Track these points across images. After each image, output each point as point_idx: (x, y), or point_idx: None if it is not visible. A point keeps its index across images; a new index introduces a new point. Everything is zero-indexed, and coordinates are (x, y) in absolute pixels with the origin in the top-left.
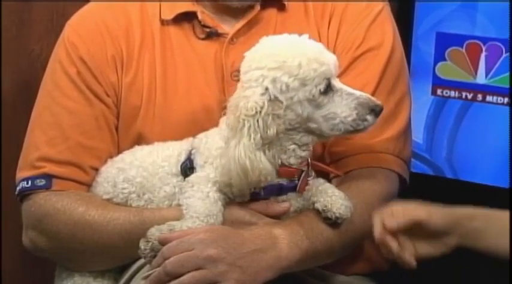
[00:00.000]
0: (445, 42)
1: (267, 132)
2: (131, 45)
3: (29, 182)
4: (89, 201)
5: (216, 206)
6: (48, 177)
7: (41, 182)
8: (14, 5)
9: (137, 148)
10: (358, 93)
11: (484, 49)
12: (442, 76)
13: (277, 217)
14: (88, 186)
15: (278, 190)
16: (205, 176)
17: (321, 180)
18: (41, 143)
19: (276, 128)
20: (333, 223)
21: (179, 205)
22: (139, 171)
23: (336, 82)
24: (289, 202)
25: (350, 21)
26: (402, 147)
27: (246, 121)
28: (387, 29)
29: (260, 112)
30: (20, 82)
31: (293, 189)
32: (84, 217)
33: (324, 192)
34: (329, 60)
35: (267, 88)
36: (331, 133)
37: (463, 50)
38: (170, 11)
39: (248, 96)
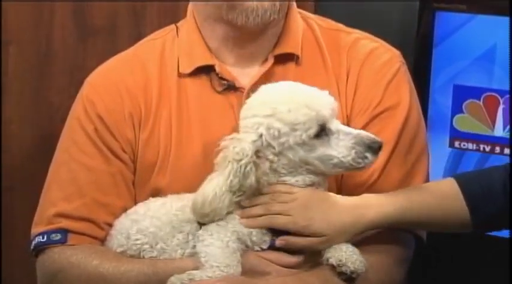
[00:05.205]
0: (462, 94)
1: (246, 180)
2: (149, 102)
3: (45, 237)
4: (102, 254)
5: (236, 256)
6: (64, 232)
7: (57, 236)
8: (34, 58)
9: (151, 200)
10: (355, 132)
11: (501, 102)
12: (459, 129)
13: (290, 267)
14: (102, 240)
15: None
16: (224, 225)
17: None
18: (57, 199)
19: (256, 178)
20: (348, 278)
21: (191, 254)
22: (153, 221)
23: (334, 125)
24: (302, 255)
25: (367, 81)
26: None
27: (230, 163)
28: (404, 89)
29: (244, 159)
30: (39, 135)
31: None
32: (98, 270)
33: (339, 248)
34: (323, 105)
35: (261, 135)
36: (333, 171)
37: (481, 103)
38: (189, 65)
39: (240, 139)
